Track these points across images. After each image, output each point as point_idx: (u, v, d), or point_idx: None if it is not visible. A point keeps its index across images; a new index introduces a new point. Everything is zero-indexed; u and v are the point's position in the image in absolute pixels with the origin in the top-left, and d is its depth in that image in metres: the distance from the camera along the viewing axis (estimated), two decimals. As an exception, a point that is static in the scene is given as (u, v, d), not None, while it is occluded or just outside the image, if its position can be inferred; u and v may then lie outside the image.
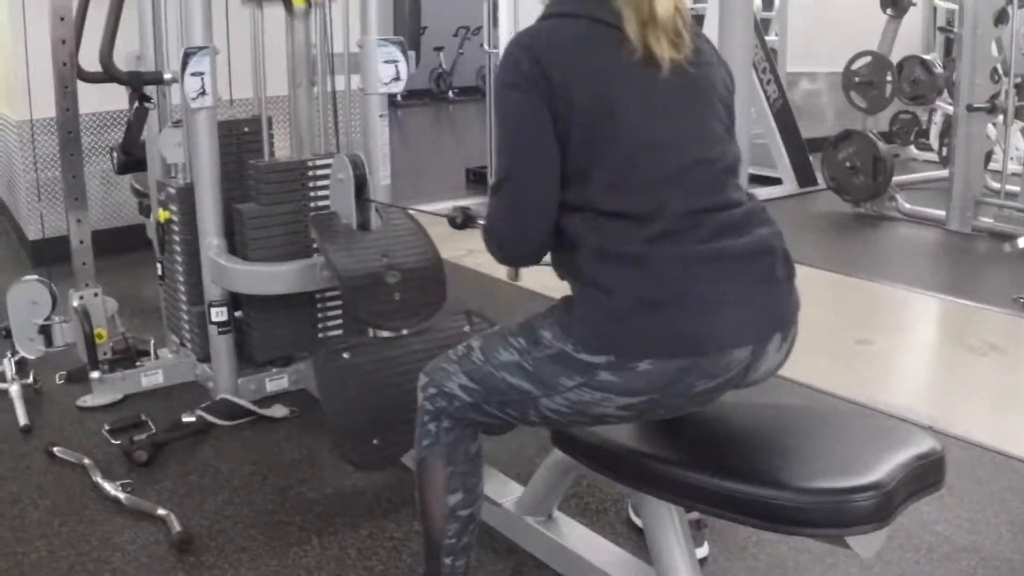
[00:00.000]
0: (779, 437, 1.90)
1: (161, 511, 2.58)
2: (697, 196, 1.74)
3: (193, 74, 3.02)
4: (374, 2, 3.30)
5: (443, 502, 1.98)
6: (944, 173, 6.51)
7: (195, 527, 2.55)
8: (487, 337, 1.93)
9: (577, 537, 2.39)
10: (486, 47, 6.18)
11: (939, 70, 6.89)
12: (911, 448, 1.77)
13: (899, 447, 1.77)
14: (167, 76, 3.16)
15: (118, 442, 3.00)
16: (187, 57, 3.00)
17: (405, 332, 2.81)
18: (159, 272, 3.56)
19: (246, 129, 3.45)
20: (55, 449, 2.94)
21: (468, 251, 4.83)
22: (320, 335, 3.39)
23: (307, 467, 2.91)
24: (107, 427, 3.09)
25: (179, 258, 3.35)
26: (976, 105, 5.68)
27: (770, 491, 1.69)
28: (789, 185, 7.22)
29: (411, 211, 3.10)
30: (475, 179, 7.52)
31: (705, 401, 1.80)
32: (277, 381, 3.41)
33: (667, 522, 1.97)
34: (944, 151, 7.04)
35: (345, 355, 2.67)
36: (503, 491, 2.55)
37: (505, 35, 5.92)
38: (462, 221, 2.43)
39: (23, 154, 5.12)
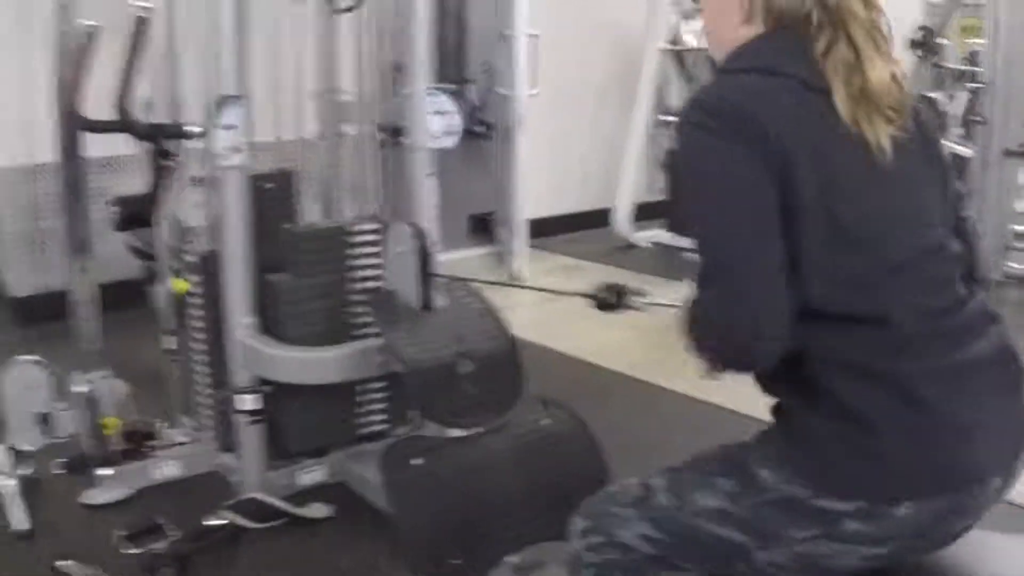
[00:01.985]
0: None
1: (206, 650, 2.18)
2: (931, 294, 1.44)
3: (225, 127, 2.63)
4: (422, 45, 2.97)
5: None
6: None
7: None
8: (674, 476, 1.57)
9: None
10: (501, 90, 5.84)
11: (946, 108, 6.71)
12: None
13: None
14: (194, 129, 2.75)
15: (134, 551, 2.58)
16: (219, 107, 2.61)
17: (481, 430, 2.45)
18: (171, 347, 3.15)
19: (269, 185, 3.04)
20: (62, 564, 2.50)
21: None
22: (360, 423, 3.00)
23: (361, 578, 2.52)
24: (120, 533, 2.66)
25: (199, 335, 2.94)
26: (1012, 149, 5.46)
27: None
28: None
29: (535, 290, 2.70)
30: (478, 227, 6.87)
31: (955, 540, 1.48)
32: (311, 474, 3.00)
33: None
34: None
35: (417, 461, 2.30)
36: None
37: (522, 75, 5.63)
38: (616, 298, 2.05)
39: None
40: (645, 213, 6.78)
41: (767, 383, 1.51)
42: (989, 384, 1.45)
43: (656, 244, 6.63)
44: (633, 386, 4.00)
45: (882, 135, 1.42)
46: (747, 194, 1.39)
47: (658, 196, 6.87)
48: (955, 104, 6.42)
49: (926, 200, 1.51)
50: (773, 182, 1.37)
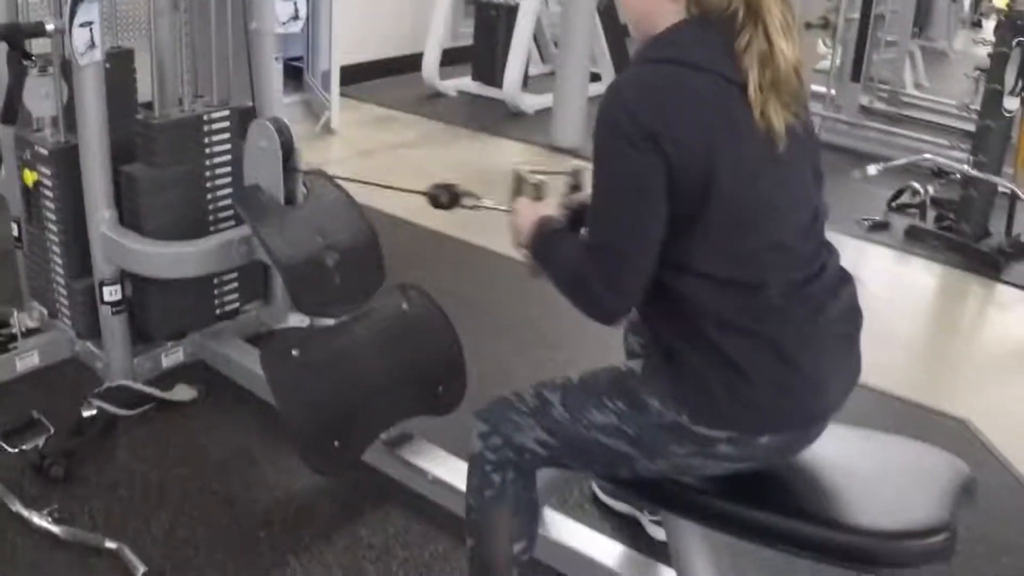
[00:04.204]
0: (833, 473, 1.91)
1: (111, 544, 2.31)
2: (800, 267, 1.70)
3: (82, 25, 2.59)
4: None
5: (508, 551, 1.92)
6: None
7: (154, 559, 2.31)
8: (568, 392, 1.82)
9: (569, 532, 2.38)
10: None
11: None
12: (954, 477, 1.84)
13: (945, 479, 1.83)
14: (49, 27, 2.68)
15: (15, 450, 2.65)
16: (75, 5, 2.57)
17: (347, 318, 2.62)
18: (15, 234, 3.13)
19: (107, 65, 2.99)
20: (-50, 469, 2.56)
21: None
22: (217, 304, 3.11)
23: (242, 465, 2.70)
24: (-2, 431, 2.72)
25: (54, 227, 2.94)
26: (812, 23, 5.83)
27: (852, 536, 1.71)
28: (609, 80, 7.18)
29: (377, 186, 2.80)
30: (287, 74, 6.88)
31: (795, 455, 1.81)
32: (173, 356, 3.11)
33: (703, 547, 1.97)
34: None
35: (295, 352, 2.46)
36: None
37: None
38: (448, 200, 2.26)
39: None
40: (451, 58, 6.87)
41: (657, 328, 1.75)
42: (838, 338, 1.74)
43: (462, 93, 6.76)
44: (450, 244, 4.21)
45: (781, 123, 1.61)
46: (642, 194, 1.60)
47: (465, 42, 6.97)
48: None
49: (805, 184, 1.74)
50: (666, 178, 1.57)
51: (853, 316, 1.78)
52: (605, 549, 2.35)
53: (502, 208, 2.02)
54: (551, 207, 1.92)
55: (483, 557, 1.94)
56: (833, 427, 1.85)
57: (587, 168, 1.76)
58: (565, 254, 1.75)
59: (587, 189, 1.78)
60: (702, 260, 1.64)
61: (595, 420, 1.76)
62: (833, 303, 1.72)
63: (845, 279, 1.79)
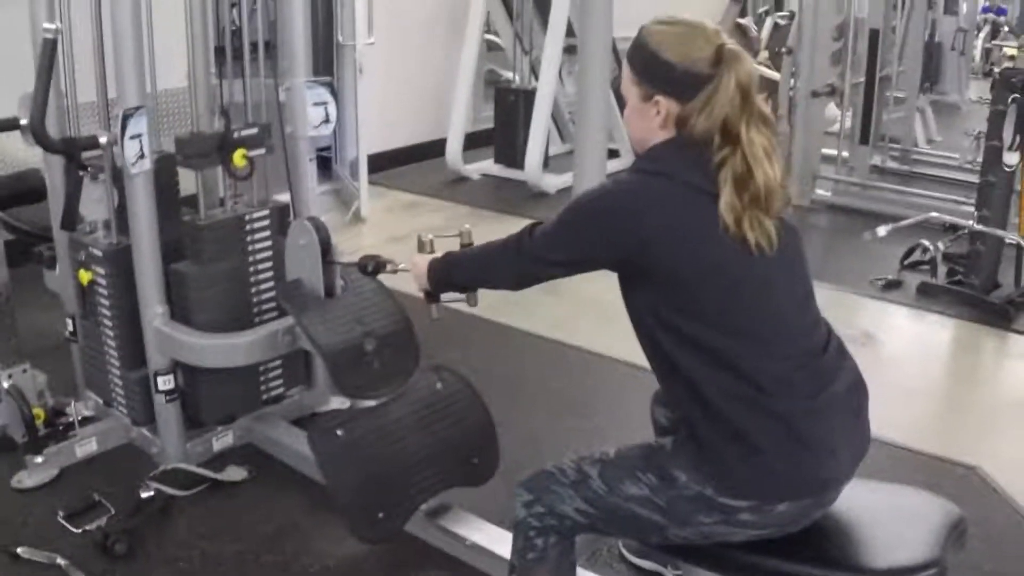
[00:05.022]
0: (838, 522, 2.07)
1: (174, 614, 2.51)
2: (801, 357, 1.90)
3: (132, 137, 2.85)
4: (300, 42, 3.22)
5: None
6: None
7: (215, 627, 2.50)
8: (604, 467, 2.01)
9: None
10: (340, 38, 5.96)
11: (755, 34, 7.26)
12: (944, 519, 2.02)
13: (936, 520, 2.01)
14: (102, 140, 2.94)
15: (80, 531, 2.84)
16: (125, 120, 2.82)
17: (385, 399, 2.81)
18: (70, 329, 3.37)
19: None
20: (23, 550, 2.73)
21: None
22: (263, 390, 3.33)
23: (292, 537, 2.88)
24: (62, 513, 2.91)
25: (109, 322, 3.17)
26: (819, 91, 6.06)
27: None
28: (627, 157, 7.40)
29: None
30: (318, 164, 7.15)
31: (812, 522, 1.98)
32: (223, 440, 3.31)
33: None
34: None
35: (339, 432, 2.66)
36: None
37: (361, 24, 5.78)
38: (373, 268, 2.62)
39: None
40: (473, 142, 7.12)
41: (676, 404, 1.98)
42: (844, 411, 1.93)
43: (486, 176, 7.00)
44: (484, 327, 4.34)
45: (764, 235, 1.82)
46: (586, 255, 1.94)
47: (486, 125, 7.20)
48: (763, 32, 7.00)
49: (797, 283, 1.94)
50: (611, 260, 1.90)
51: (857, 390, 1.97)
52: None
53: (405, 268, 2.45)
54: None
55: None
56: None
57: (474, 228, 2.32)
58: (474, 250, 2.23)
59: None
60: (709, 339, 1.85)
61: (630, 492, 1.94)
62: (839, 377, 1.92)
63: (844, 355, 1.98)
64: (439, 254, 2.28)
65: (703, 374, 1.85)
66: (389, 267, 2.62)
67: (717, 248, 1.81)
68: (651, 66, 1.88)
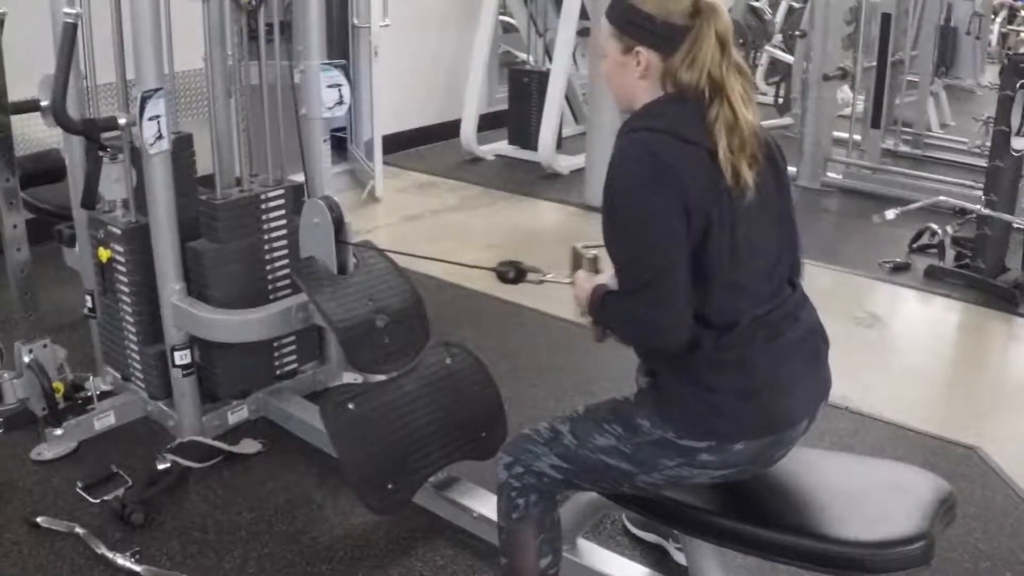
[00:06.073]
0: (827, 493, 2.13)
1: (190, 580, 2.59)
2: (764, 304, 1.99)
3: (150, 118, 2.92)
4: (315, 25, 3.28)
5: (535, 567, 2.21)
6: (780, 121, 6.99)
7: (229, 593, 2.58)
8: (575, 422, 2.12)
9: (602, 560, 2.63)
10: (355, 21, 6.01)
11: (769, 17, 7.29)
12: (933, 493, 2.08)
13: (925, 494, 2.07)
14: (122, 121, 3.02)
15: (98, 501, 2.93)
16: (144, 101, 2.89)
17: (396, 374, 2.88)
18: (88, 305, 3.45)
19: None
20: (43, 520, 2.82)
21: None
22: (277, 365, 3.41)
23: (304, 508, 2.96)
24: (80, 484, 3.00)
25: (127, 299, 3.25)
26: (830, 74, 6.09)
27: (842, 548, 1.95)
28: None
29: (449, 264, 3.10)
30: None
31: (775, 463, 2.08)
32: (238, 413, 3.39)
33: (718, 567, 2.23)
34: (779, 99, 7.48)
35: (351, 406, 2.73)
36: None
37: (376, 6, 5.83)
38: (515, 275, 2.55)
39: None
40: (487, 123, 7.18)
41: (645, 357, 2.08)
42: (801, 356, 2.02)
43: (500, 156, 7.06)
44: (494, 305, 4.44)
45: (749, 176, 1.89)
46: (665, 229, 1.87)
47: (500, 106, 7.26)
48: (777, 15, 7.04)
49: (772, 229, 2.01)
50: (682, 219, 1.86)
51: (815, 335, 2.06)
52: (635, 574, 2.59)
53: (564, 281, 2.29)
54: (606, 277, 2.13)
55: (514, 573, 2.23)
56: (827, 453, 2.09)
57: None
58: (618, 307, 2.01)
59: None
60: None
61: (598, 443, 2.06)
62: (793, 325, 2.01)
63: (803, 305, 2.07)
64: (605, 276, 2.11)
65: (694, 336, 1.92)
66: (533, 276, 2.52)
67: (714, 201, 1.87)
68: (631, 18, 1.94)
